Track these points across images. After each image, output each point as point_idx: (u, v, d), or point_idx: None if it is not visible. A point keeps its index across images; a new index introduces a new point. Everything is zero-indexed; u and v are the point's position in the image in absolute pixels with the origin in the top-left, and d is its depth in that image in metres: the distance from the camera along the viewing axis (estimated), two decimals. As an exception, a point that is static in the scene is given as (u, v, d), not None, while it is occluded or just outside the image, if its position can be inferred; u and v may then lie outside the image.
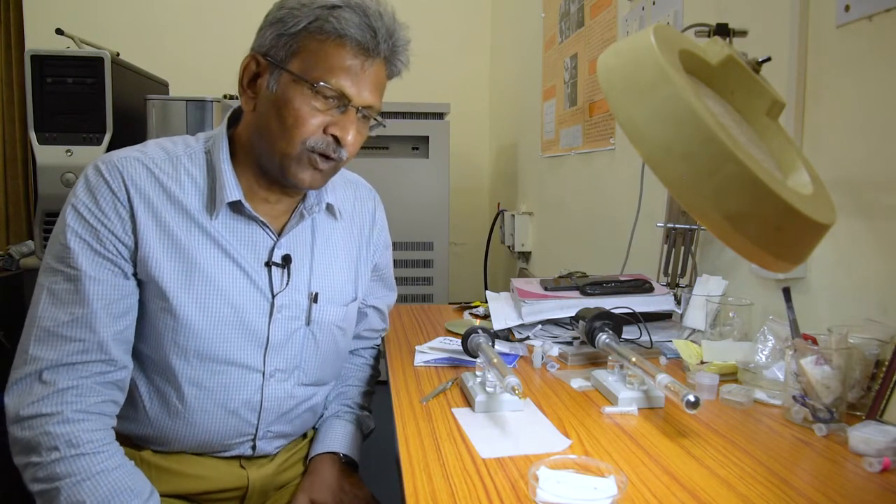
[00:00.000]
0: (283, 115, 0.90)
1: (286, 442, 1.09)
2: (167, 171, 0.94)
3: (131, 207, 0.91)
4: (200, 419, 0.97)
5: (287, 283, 1.00)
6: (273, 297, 0.99)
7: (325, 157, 0.93)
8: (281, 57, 0.90)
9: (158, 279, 0.92)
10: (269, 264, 0.99)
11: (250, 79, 0.94)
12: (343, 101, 0.90)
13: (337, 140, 0.92)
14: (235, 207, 0.97)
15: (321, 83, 0.88)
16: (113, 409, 0.92)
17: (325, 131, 0.91)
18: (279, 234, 1.00)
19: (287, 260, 1.00)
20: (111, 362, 0.90)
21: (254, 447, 1.03)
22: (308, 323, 1.03)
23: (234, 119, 1.01)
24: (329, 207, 1.06)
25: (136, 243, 0.91)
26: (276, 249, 0.99)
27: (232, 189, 0.95)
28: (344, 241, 1.10)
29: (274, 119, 0.91)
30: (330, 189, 1.05)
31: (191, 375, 0.95)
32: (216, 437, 1.00)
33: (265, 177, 0.97)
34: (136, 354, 0.96)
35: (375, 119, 0.97)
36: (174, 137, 1.01)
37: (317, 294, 1.03)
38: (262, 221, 0.98)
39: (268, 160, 0.94)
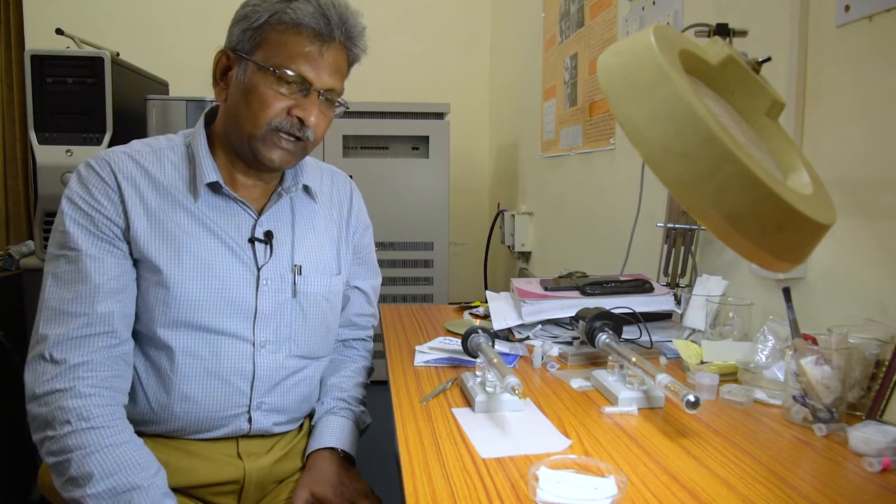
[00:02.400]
0: (250, 100, 0.99)
1: (282, 420, 1.10)
2: (151, 161, 1.04)
3: (121, 192, 0.99)
4: (194, 389, 1.02)
5: (270, 257, 1.07)
6: (258, 270, 1.06)
7: (291, 135, 1.00)
8: (247, 49, 0.99)
9: (150, 256, 0.99)
10: (252, 240, 1.06)
11: (222, 72, 1.03)
12: (305, 85, 0.98)
13: (301, 121, 1.00)
14: (216, 190, 1.05)
15: (283, 70, 0.96)
16: (123, 385, 0.98)
17: (289, 113, 0.99)
18: (259, 213, 1.08)
19: (269, 236, 1.07)
20: (115, 334, 0.97)
21: (250, 419, 1.06)
22: (294, 294, 1.09)
23: (212, 116, 1.10)
24: (306, 189, 1.13)
25: (127, 224, 0.99)
26: (257, 227, 1.07)
27: (210, 171, 1.03)
28: (324, 221, 1.17)
29: (243, 105, 1.00)
30: (306, 174, 1.13)
31: (183, 345, 1.01)
32: (211, 407, 1.03)
33: (241, 162, 1.06)
34: (133, 332, 1.01)
35: (339, 101, 1.05)
36: (156, 136, 1.10)
37: (300, 266, 1.10)
38: (241, 201, 1.06)
39: (238, 144, 1.03)
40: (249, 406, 1.06)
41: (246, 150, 1.02)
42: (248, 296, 1.05)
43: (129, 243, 1.00)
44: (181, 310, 1.00)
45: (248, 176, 1.07)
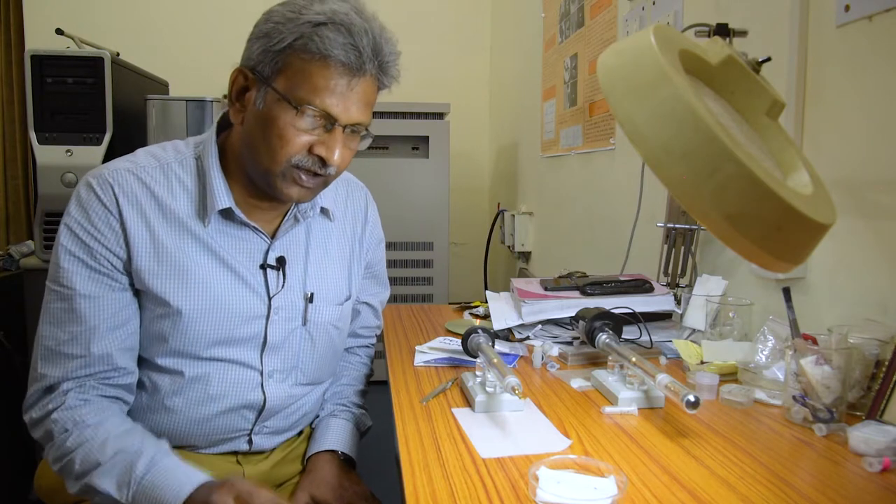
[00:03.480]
0: (268, 134, 0.89)
1: (282, 439, 1.10)
2: (158, 180, 0.96)
3: (123, 220, 0.92)
4: (199, 415, 0.99)
5: (283, 285, 1.02)
6: (269, 299, 1.01)
7: (312, 173, 0.92)
8: (267, 73, 0.89)
9: (154, 288, 0.94)
10: (263, 267, 1.00)
11: (238, 92, 0.93)
12: (329, 120, 0.89)
13: (323, 160, 0.91)
14: (227, 214, 0.98)
15: (306, 105, 0.87)
16: (116, 401, 0.95)
17: (310, 151, 0.91)
18: (273, 237, 1.02)
19: (281, 262, 1.01)
20: (117, 370, 0.94)
21: (250, 441, 1.05)
22: (304, 323, 1.05)
23: (224, 124, 1.01)
24: (323, 210, 1.07)
25: (129, 255, 0.93)
26: (270, 252, 1.01)
27: (222, 197, 0.96)
28: (337, 241, 1.11)
29: (260, 136, 0.91)
30: (323, 193, 1.04)
31: (189, 372, 0.97)
32: (214, 432, 1.01)
33: (255, 186, 0.98)
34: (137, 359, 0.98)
35: (366, 130, 0.96)
36: (164, 144, 1.02)
37: (312, 294, 1.05)
38: (254, 227, 1.00)
39: (254, 174, 0.95)
40: (251, 430, 1.04)
41: (263, 184, 0.95)
42: (259, 326, 1.00)
43: (130, 274, 0.94)
44: (187, 342, 0.96)
45: (262, 199, 1.00)
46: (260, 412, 1.03)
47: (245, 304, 0.99)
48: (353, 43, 0.86)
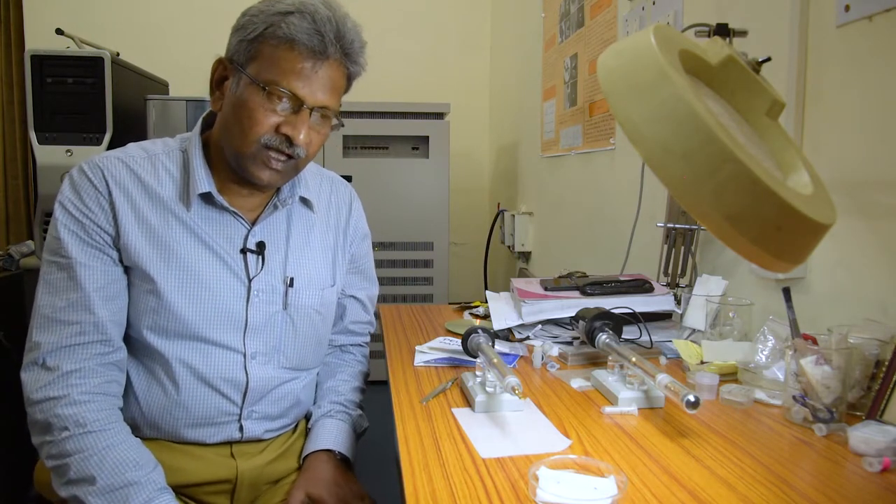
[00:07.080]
0: (240, 116, 0.96)
1: (273, 426, 1.11)
2: (146, 168, 1.02)
3: (112, 199, 0.98)
4: (185, 396, 1.01)
5: (262, 268, 1.06)
6: (249, 281, 1.04)
7: (281, 153, 0.98)
8: (241, 61, 0.97)
9: (141, 264, 0.99)
10: (244, 251, 1.05)
11: (218, 81, 1.01)
12: (296, 101, 0.95)
13: (290, 139, 0.97)
14: (209, 199, 1.03)
15: (274, 86, 0.94)
16: (116, 390, 0.99)
17: (278, 131, 0.97)
18: (253, 224, 1.06)
19: (261, 247, 1.06)
20: (108, 342, 0.97)
21: (241, 428, 1.06)
22: (285, 307, 1.08)
23: (209, 122, 1.08)
24: (304, 200, 1.11)
25: (117, 232, 0.99)
26: (250, 237, 1.06)
27: (203, 182, 1.01)
28: (320, 231, 1.15)
29: (233, 118, 0.98)
30: (304, 183, 1.11)
31: (175, 353, 1.01)
32: (201, 415, 1.03)
33: (235, 174, 1.03)
34: (125, 337, 1.01)
35: (336, 118, 1.02)
36: (154, 139, 1.08)
37: (292, 279, 1.08)
38: (234, 212, 1.04)
39: (230, 157, 1.01)
40: (240, 415, 1.05)
41: (237, 167, 1.00)
42: (239, 307, 1.04)
43: (119, 251, 0.99)
44: (171, 319, 1.00)
45: (243, 186, 1.05)
46: (245, 393, 1.05)
47: (225, 285, 1.03)
48: (316, 28, 0.93)
